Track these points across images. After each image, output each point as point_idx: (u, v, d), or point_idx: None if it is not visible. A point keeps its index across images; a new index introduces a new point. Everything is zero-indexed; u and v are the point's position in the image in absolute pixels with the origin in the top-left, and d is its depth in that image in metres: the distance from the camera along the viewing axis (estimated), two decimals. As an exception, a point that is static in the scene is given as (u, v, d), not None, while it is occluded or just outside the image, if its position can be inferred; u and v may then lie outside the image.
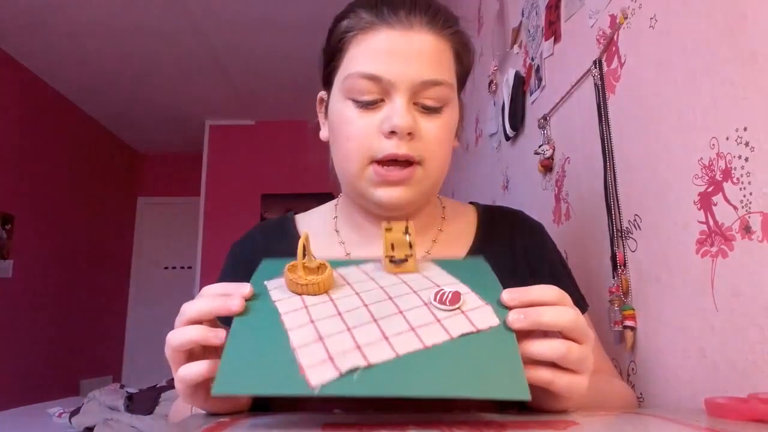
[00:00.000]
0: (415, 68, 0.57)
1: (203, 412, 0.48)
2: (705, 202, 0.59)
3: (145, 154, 5.45)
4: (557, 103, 1.04)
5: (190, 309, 0.44)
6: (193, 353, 0.45)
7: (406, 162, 0.58)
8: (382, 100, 0.59)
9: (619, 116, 0.79)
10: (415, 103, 0.59)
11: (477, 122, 1.91)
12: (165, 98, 4.22)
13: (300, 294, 0.46)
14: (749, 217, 0.52)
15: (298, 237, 0.47)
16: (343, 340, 0.40)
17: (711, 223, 0.58)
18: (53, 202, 3.98)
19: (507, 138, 1.41)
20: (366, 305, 0.44)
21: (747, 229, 0.53)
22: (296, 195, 4.30)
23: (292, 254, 0.47)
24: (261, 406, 0.53)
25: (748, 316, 0.52)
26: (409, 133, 0.57)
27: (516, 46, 1.36)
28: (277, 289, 0.46)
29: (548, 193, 1.12)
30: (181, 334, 0.43)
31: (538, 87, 1.17)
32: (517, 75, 1.32)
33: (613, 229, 0.78)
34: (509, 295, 0.43)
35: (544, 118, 1.10)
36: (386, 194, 0.59)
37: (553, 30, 1.08)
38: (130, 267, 5.18)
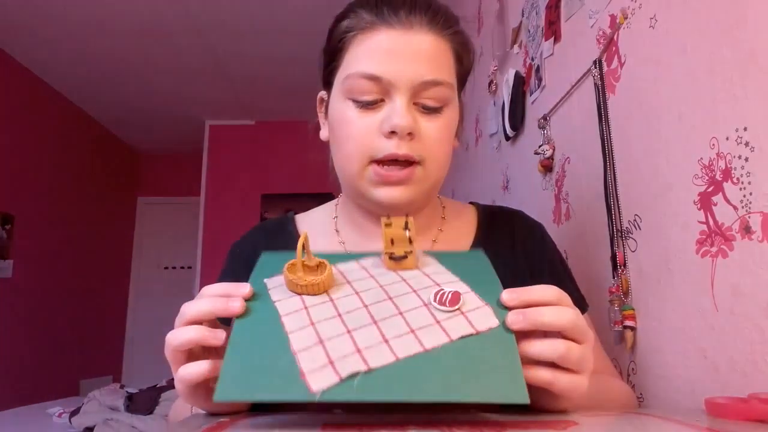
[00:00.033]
0: (415, 68, 0.57)
1: (203, 412, 0.49)
2: (705, 202, 0.59)
3: (145, 154, 5.45)
4: (557, 103, 1.04)
5: (190, 309, 0.44)
6: (193, 353, 0.45)
7: (406, 162, 0.58)
8: (382, 100, 0.59)
9: (619, 116, 0.79)
10: (415, 103, 0.59)
11: (477, 122, 1.91)
12: (165, 98, 4.22)
13: (300, 294, 0.46)
14: (749, 217, 0.52)
15: (298, 237, 0.47)
16: (344, 343, 0.40)
17: (711, 223, 0.58)
18: (53, 202, 3.98)
19: (507, 138, 1.41)
20: (366, 306, 0.44)
21: (747, 229, 0.53)
22: (296, 195, 4.30)
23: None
24: (261, 405, 0.53)
25: (748, 316, 0.53)
26: (410, 133, 0.57)
27: (516, 46, 1.36)
28: (276, 289, 0.46)
29: (548, 193, 1.12)
30: (180, 335, 0.43)
31: (538, 87, 1.17)
32: (517, 75, 1.32)
33: (613, 229, 0.78)
34: (509, 295, 0.43)
35: (544, 118, 1.10)
36: (386, 194, 0.59)
37: (553, 30, 1.08)
38: (130, 267, 5.18)
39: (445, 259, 0.51)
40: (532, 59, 1.22)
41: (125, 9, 3.02)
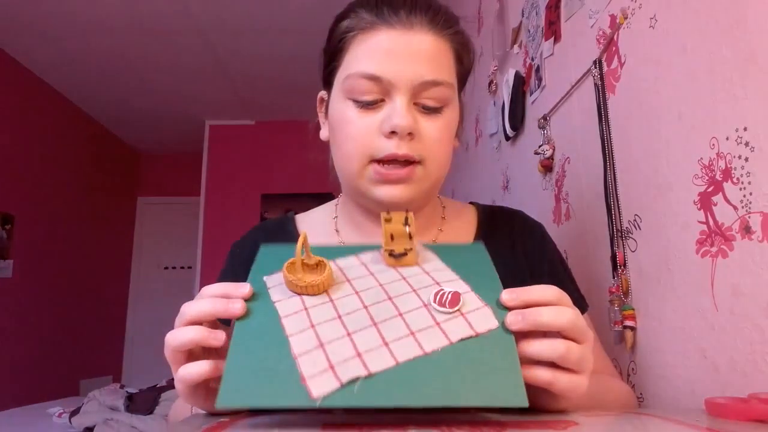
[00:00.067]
0: (416, 68, 0.58)
1: (203, 412, 0.48)
2: (705, 202, 0.59)
3: (145, 154, 5.45)
4: (557, 103, 1.04)
5: (190, 310, 0.44)
6: (193, 353, 0.45)
7: (406, 161, 0.58)
8: (383, 100, 0.59)
9: (619, 116, 0.79)
10: (415, 103, 0.59)
11: (477, 122, 1.91)
12: (165, 98, 4.22)
13: (299, 294, 0.46)
14: (749, 217, 0.52)
15: (298, 237, 0.47)
16: (344, 346, 0.40)
17: (711, 223, 0.58)
18: (53, 202, 3.98)
19: (507, 138, 1.41)
20: (366, 307, 0.44)
21: (747, 229, 0.53)
22: (296, 195, 4.30)
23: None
24: (261, 406, 0.53)
25: (748, 316, 0.53)
26: (410, 134, 0.57)
27: (516, 46, 1.36)
28: (276, 288, 0.46)
29: (548, 193, 1.12)
30: (180, 335, 0.43)
31: (538, 87, 1.17)
32: (517, 75, 1.32)
33: (613, 229, 0.78)
34: (509, 295, 0.43)
35: (544, 118, 1.10)
36: (386, 192, 0.59)
37: (553, 30, 1.08)
38: (130, 267, 5.18)
39: (445, 253, 0.51)
40: (532, 59, 1.22)
41: (125, 9, 3.02)
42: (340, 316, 0.43)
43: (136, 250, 5.23)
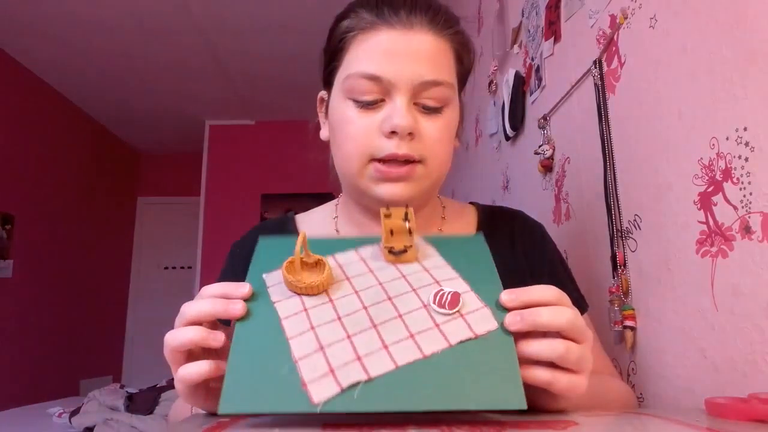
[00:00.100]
0: (416, 68, 0.58)
1: (203, 412, 0.48)
2: (705, 202, 0.59)
3: (145, 154, 5.45)
4: (557, 103, 1.04)
5: (190, 310, 0.44)
6: (193, 353, 0.45)
7: (406, 160, 0.58)
8: (383, 100, 0.59)
9: (619, 116, 0.79)
10: (415, 103, 0.59)
11: (477, 122, 1.91)
12: (165, 98, 4.22)
13: (299, 294, 0.45)
14: (749, 217, 0.52)
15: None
16: (344, 349, 0.40)
17: (711, 223, 0.58)
18: (53, 202, 3.99)
19: (507, 138, 1.41)
20: (365, 307, 0.44)
21: (747, 229, 0.53)
22: (296, 195, 4.30)
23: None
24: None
25: (748, 316, 0.53)
26: (410, 133, 0.57)
27: (516, 46, 1.36)
28: (275, 287, 0.46)
29: (548, 193, 1.12)
30: (179, 335, 0.43)
31: (538, 87, 1.17)
32: (517, 75, 1.32)
33: (613, 229, 0.78)
34: (508, 296, 0.43)
35: (544, 118, 1.10)
36: (387, 190, 0.59)
37: (553, 30, 1.08)
38: (130, 267, 5.18)
39: (445, 247, 0.51)
40: (532, 59, 1.22)
41: (126, 9, 3.02)
42: (339, 318, 0.43)
43: (136, 250, 5.23)
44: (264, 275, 0.47)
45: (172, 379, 0.46)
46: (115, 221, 4.93)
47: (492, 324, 0.42)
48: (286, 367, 0.40)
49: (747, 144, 0.53)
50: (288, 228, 0.72)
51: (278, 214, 4.20)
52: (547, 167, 1.10)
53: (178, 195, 5.27)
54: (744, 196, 0.53)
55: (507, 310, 0.43)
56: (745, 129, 0.53)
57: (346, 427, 0.38)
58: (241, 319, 0.43)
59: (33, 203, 3.74)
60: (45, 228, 3.87)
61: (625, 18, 0.77)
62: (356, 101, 0.59)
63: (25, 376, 3.57)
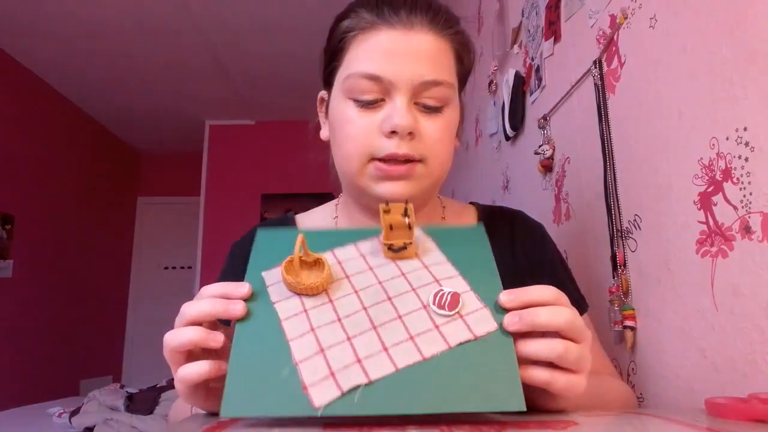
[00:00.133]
0: (416, 68, 0.58)
1: (203, 412, 0.48)
2: (705, 202, 0.59)
3: (145, 154, 5.45)
4: (557, 103, 1.04)
5: (190, 310, 0.44)
6: (193, 353, 0.45)
7: (407, 160, 0.58)
8: (383, 100, 0.59)
9: (619, 116, 0.79)
10: (416, 103, 0.59)
11: (477, 122, 1.91)
12: (165, 98, 4.22)
13: (298, 294, 0.45)
14: (749, 217, 0.52)
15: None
16: (344, 352, 0.41)
17: (711, 223, 0.58)
18: (53, 202, 3.99)
19: (507, 138, 1.41)
20: (365, 308, 0.44)
21: (747, 229, 0.53)
22: (296, 195, 4.30)
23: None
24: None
25: (748, 316, 0.53)
26: (410, 133, 0.57)
27: (516, 46, 1.36)
28: (275, 286, 0.46)
29: (548, 193, 1.12)
30: (179, 336, 0.43)
31: (538, 87, 1.17)
32: (517, 75, 1.32)
33: (613, 229, 0.78)
34: (507, 296, 0.43)
35: (544, 118, 1.10)
36: (388, 189, 0.59)
37: (553, 30, 1.08)
38: (130, 267, 5.18)
39: (444, 240, 0.50)
40: (532, 59, 1.22)
41: (126, 9, 3.02)
42: (339, 319, 0.43)
43: (136, 250, 5.23)
44: (263, 273, 0.47)
45: (172, 379, 0.46)
46: (115, 221, 4.93)
47: (491, 325, 0.42)
48: (286, 370, 0.40)
49: (747, 144, 0.53)
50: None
51: (278, 214, 4.20)
52: (547, 167, 1.10)
53: (178, 195, 5.27)
54: (744, 196, 0.53)
55: (506, 310, 0.43)
56: (745, 129, 0.53)
57: (346, 427, 0.38)
58: (242, 319, 0.43)
59: (33, 203, 3.74)
60: (45, 228, 3.87)
61: (625, 18, 0.77)
62: (356, 101, 0.59)
63: (25, 376, 3.57)
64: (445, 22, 0.61)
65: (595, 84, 0.85)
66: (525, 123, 1.29)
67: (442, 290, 0.44)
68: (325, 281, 0.45)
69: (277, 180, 4.46)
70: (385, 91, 0.58)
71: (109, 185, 4.81)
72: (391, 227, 0.47)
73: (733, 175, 0.54)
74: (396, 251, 0.48)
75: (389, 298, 0.45)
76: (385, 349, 0.41)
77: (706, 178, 0.59)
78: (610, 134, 0.81)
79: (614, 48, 0.80)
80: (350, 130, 0.59)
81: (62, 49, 3.44)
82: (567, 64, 1.00)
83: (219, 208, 4.40)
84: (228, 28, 3.24)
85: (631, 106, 0.76)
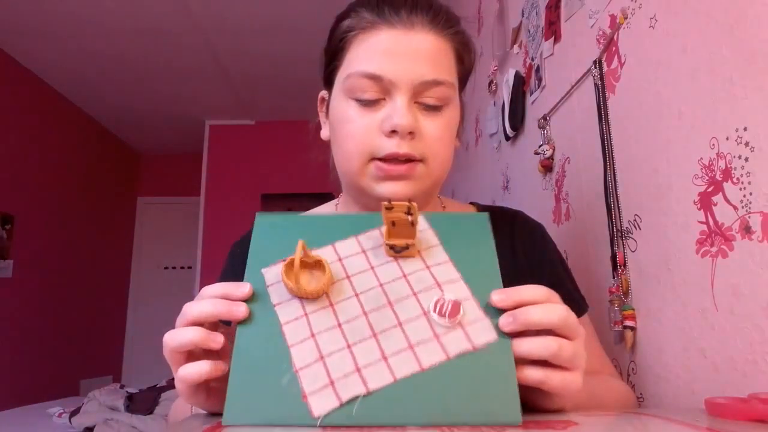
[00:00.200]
0: (416, 68, 0.58)
1: (203, 411, 0.48)
2: (705, 202, 0.59)
3: (145, 154, 5.45)
4: (557, 103, 1.04)
5: (191, 310, 0.44)
6: (193, 353, 0.45)
7: (407, 159, 0.58)
8: (383, 99, 0.59)
9: (619, 116, 0.79)
10: (416, 102, 0.59)
11: (477, 122, 1.91)
12: (165, 98, 4.22)
13: (299, 297, 0.45)
14: (749, 217, 0.52)
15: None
16: (344, 360, 0.41)
17: (711, 223, 0.58)
18: (53, 202, 3.99)
19: (507, 138, 1.41)
20: (365, 313, 0.44)
21: (747, 229, 0.53)
22: (296, 195, 4.30)
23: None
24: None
25: (748, 316, 0.53)
26: (410, 133, 0.57)
27: (516, 46, 1.36)
28: (275, 286, 0.46)
29: (548, 193, 1.12)
30: (179, 336, 0.43)
31: (538, 87, 1.17)
32: (517, 75, 1.32)
33: (613, 229, 0.78)
34: (499, 296, 0.43)
35: (544, 118, 1.10)
36: (388, 189, 0.59)
37: (553, 30, 1.08)
38: (130, 267, 5.18)
39: (448, 231, 0.49)
40: (532, 59, 1.22)
41: (126, 9, 3.02)
42: (340, 325, 0.43)
43: (136, 250, 5.23)
44: (263, 270, 0.47)
45: (172, 379, 0.46)
46: (115, 221, 4.93)
47: (491, 336, 0.42)
48: (286, 378, 0.40)
49: (747, 144, 0.53)
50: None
51: (278, 214, 4.19)
52: (547, 167, 1.10)
53: (178, 195, 5.27)
54: (744, 196, 0.53)
55: (499, 309, 0.43)
56: (745, 129, 0.53)
57: (346, 428, 0.38)
58: (243, 322, 0.43)
59: (33, 203, 3.74)
60: (45, 228, 3.87)
61: (625, 18, 0.77)
62: (357, 100, 0.59)
63: (25, 376, 3.57)
64: (446, 22, 0.61)
65: (595, 84, 0.85)
66: (525, 123, 1.29)
67: (443, 298, 0.44)
68: (326, 286, 0.45)
69: (277, 180, 4.46)
70: (385, 91, 0.58)
71: (109, 185, 4.81)
72: (393, 223, 0.47)
73: (733, 175, 0.54)
74: (398, 252, 0.48)
75: (390, 303, 0.45)
76: (385, 359, 0.41)
77: (706, 178, 0.59)
78: (610, 134, 0.81)
79: (614, 48, 0.80)
80: (351, 129, 0.59)
81: (62, 49, 3.44)
82: (567, 64, 1.00)
83: (219, 208, 4.40)
84: (228, 28, 3.24)
85: (631, 106, 0.76)
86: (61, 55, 3.53)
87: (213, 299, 0.44)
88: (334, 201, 0.74)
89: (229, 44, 3.42)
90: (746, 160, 0.53)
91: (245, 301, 0.44)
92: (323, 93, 0.68)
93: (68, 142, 4.19)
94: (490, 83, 1.61)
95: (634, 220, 0.74)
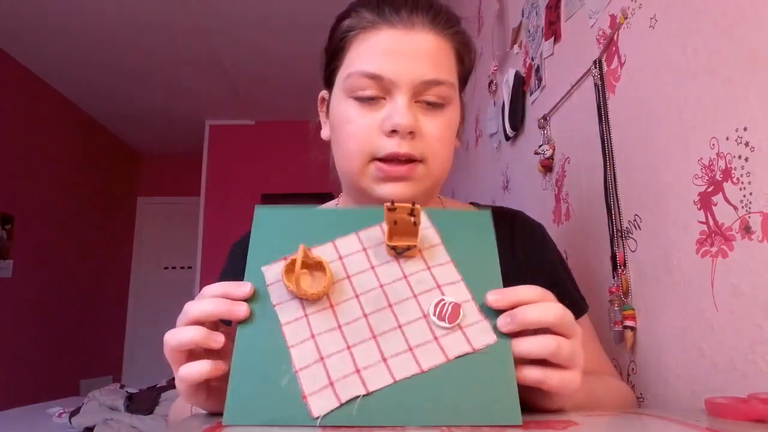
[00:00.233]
0: (417, 68, 0.58)
1: (203, 411, 0.48)
2: (705, 202, 0.59)
3: (145, 154, 5.45)
4: (557, 103, 1.04)
5: (193, 309, 0.44)
6: (194, 352, 0.45)
7: (408, 159, 0.58)
8: (384, 99, 0.59)
9: (619, 116, 0.79)
10: (416, 102, 0.59)
11: (477, 122, 1.91)
12: (165, 98, 4.22)
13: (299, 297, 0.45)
14: (749, 217, 0.52)
15: None
16: (343, 361, 0.41)
17: (711, 223, 0.58)
18: (53, 202, 3.99)
19: (507, 138, 1.41)
20: (366, 315, 0.44)
21: (747, 229, 0.53)
22: (296, 195, 4.30)
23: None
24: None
25: (748, 316, 0.53)
26: (411, 132, 0.57)
27: (516, 46, 1.36)
28: (275, 285, 0.46)
29: (548, 193, 1.12)
30: (179, 335, 0.43)
31: (538, 87, 1.17)
32: (517, 75, 1.32)
33: (613, 229, 0.78)
34: (494, 296, 0.43)
35: (544, 118, 1.10)
36: (389, 190, 0.59)
37: (553, 30, 1.08)
38: (130, 267, 5.18)
39: (449, 229, 0.49)
40: (532, 59, 1.22)
41: (125, 9, 3.02)
42: (340, 326, 0.43)
43: (136, 250, 5.23)
44: (263, 268, 0.47)
45: (172, 379, 0.46)
46: (115, 221, 4.93)
47: (491, 338, 0.42)
48: (286, 378, 0.41)
49: (747, 144, 0.53)
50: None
51: (278, 214, 4.19)
52: (547, 167, 1.10)
53: (178, 195, 5.27)
54: (744, 196, 0.53)
55: (494, 310, 0.43)
56: (745, 129, 0.53)
57: (346, 428, 0.38)
58: (243, 322, 0.43)
59: (33, 203, 3.74)
60: (45, 228, 3.87)
61: (625, 18, 0.77)
62: (357, 99, 0.59)
63: (25, 376, 3.57)
64: (446, 22, 0.61)
65: (595, 84, 0.85)
66: (525, 123, 1.29)
67: (444, 300, 0.44)
68: (326, 288, 0.45)
69: (277, 180, 4.46)
70: (385, 91, 0.58)
71: (109, 185, 4.81)
72: (395, 222, 0.46)
73: (733, 175, 0.54)
74: (399, 253, 0.48)
75: (390, 305, 0.45)
76: (384, 360, 0.41)
77: (706, 178, 0.59)
78: (610, 134, 0.81)
79: (614, 48, 0.80)
80: (351, 129, 0.59)
81: (62, 49, 3.44)
82: (567, 64, 1.00)
83: (219, 208, 4.40)
84: (228, 28, 3.24)
85: (631, 106, 0.76)
86: (61, 55, 3.53)
87: (214, 298, 0.44)
88: (334, 201, 0.74)
89: (229, 44, 3.42)
90: (746, 160, 0.53)
91: (246, 300, 0.44)
92: (323, 93, 0.68)
93: (68, 142, 4.19)
94: (490, 83, 1.61)
95: (634, 220, 0.74)
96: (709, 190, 0.58)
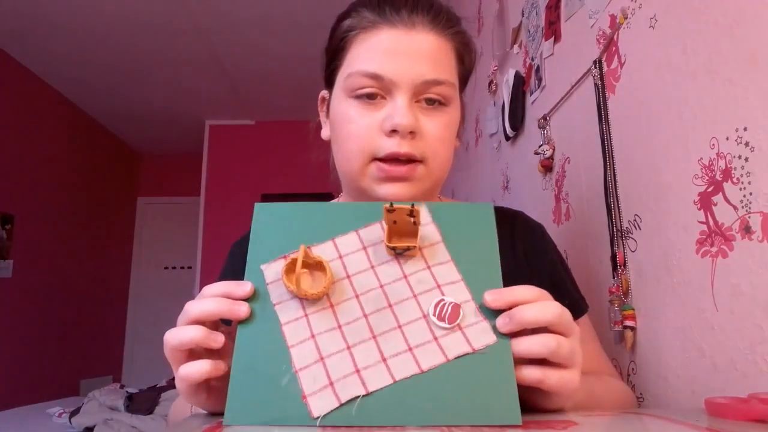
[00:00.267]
0: (417, 67, 0.58)
1: (203, 411, 0.48)
2: (705, 202, 0.59)
3: (145, 154, 5.45)
4: (557, 103, 1.04)
5: (193, 309, 0.44)
6: (194, 352, 0.45)
7: (408, 159, 0.58)
8: (384, 99, 0.59)
9: (619, 116, 0.79)
10: (417, 102, 0.59)
11: (477, 122, 1.91)
12: (165, 98, 4.22)
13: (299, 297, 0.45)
14: (749, 217, 0.52)
15: None
16: (343, 361, 0.41)
17: (711, 223, 0.58)
18: (53, 202, 3.99)
19: (507, 138, 1.41)
20: (365, 315, 0.44)
21: (747, 229, 0.53)
22: (296, 195, 4.30)
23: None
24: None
25: (748, 316, 0.53)
26: (411, 132, 0.57)
27: (516, 46, 1.36)
28: (275, 284, 0.46)
29: (548, 193, 1.12)
30: (180, 335, 0.43)
31: (538, 87, 1.17)
32: (517, 75, 1.32)
33: (613, 229, 0.78)
34: (491, 296, 0.43)
35: (544, 118, 1.10)
36: (389, 191, 0.59)
37: (553, 30, 1.08)
38: (130, 267, 5.18)
39: (450, 224, 0.49)
40: (532, 59, 1.22)
41: (125, 8, 3.02)
42: (340, 326, 0.43)
43: (136, 250, 5.23)
44: (263, 267, 0.46)
45: (172, 379, 0.46)
46: (115, 221, 4.93)
47: (491, 338, 0.42)
48: (286, 378, 0.41)
49: (747, 144, 0.53)
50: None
51: (278, 214, 4.19)
52: (547, 167, 1.10)
53: (178, 195, 5.27)
54: (744, 196, 0.53)
55: (492, 310, 0.43)
56: (745, 129, 0.53)
57: (346, 428, 0.39)
58: (243, 321, 0.43)
59: (33, 203, 3.74)
60: (45, 228, 3.87)
61: (625, 18, 0.77)
62: (358, 98, 0.59)
63: (25, 376, 3.57)
64: (447, 22, 0.61)
65: (595, 84, 0.85)
66: (525, 123, 1.29)
67: (444, 301, 0.44)
68: (327, 288, 0.45)
69: (277, 180, 4.46)
70: (386, 90, 0.58)
71: (109, 185, 4.81)
72: (395, 222, 0.46)
73: (733, 175, 0.55)
74: (399, 253, 0.47)
75: (390, 305, 0.45)
76: (384, 360, 0.41)
77: (706, 178, 0.59)
78: (610, 134, 0.81)
79: (614, 48, 0.80)
80: (351, 129, 0.60)
81: (62, 49, 3.44)
82: (567, 64, 1.00)
83: (219, 208, 4.40)
84: (228, 28, 3.24)
85: (631, 106, 0.76)
86: (61, 55, 3.53)
87: (215, 298, 0.44)
88: (334, 201, 0.74)
89: (229, 44, 3.42)
90: (746, 160, 0.53)
91: (246, 299, 0.44)
92: (324, 93, 0.68)
93: (68, 142, 4.19)
94: (490, 83, 1.61)
95: (634, 220, 0.74)
96: (709, 190, 0.58)
